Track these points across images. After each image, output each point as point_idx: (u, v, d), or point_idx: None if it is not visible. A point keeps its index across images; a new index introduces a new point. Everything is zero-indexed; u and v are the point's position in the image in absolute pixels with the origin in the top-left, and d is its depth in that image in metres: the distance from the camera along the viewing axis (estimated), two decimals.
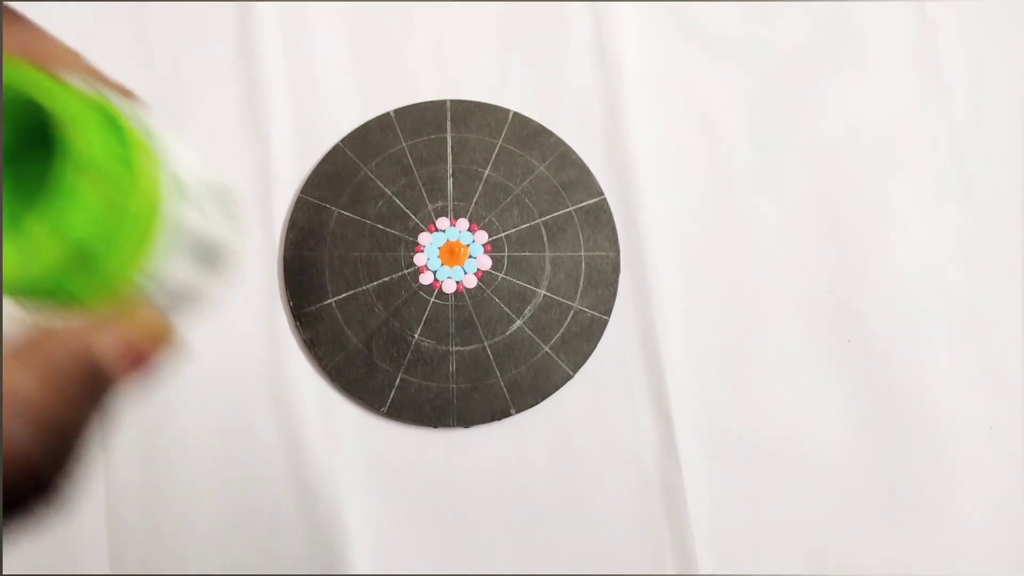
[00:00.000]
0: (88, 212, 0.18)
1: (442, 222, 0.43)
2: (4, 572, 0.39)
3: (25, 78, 0.19)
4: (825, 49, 0.46)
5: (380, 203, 0.43)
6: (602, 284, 0.42)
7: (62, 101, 0.18)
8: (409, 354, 0.41)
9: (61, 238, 0.18)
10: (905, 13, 0.46)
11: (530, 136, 0.44)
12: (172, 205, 0.20)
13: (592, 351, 0.42)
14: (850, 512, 0.41)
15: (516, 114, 0.44)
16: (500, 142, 0.44)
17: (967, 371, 0.42)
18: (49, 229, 0.18)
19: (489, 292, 0.42)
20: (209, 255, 0.21)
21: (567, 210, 0.43)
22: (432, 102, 0.44)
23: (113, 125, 0.19)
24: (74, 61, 0.21)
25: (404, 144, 0.44)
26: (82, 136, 0.18)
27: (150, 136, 0.20)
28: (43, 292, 0.19)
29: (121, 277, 0.19)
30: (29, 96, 0.19)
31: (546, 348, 0.42)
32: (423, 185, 0.43)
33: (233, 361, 0.41)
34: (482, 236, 0.43)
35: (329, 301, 0.42)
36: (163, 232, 0.19)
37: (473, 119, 0.44)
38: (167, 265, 0.20)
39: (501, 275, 0.43)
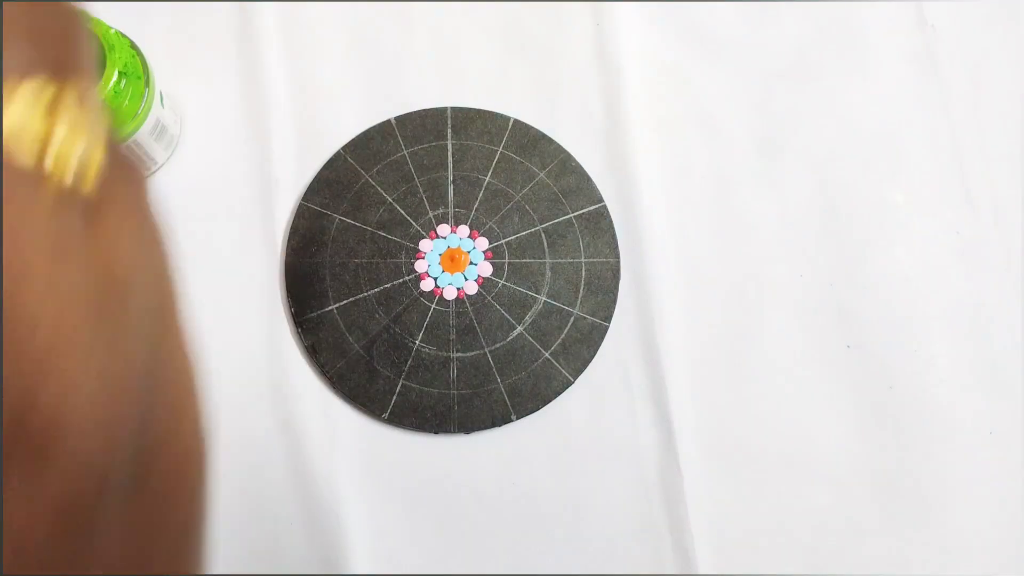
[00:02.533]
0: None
1: (443, 229, 0.43)
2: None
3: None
4: (825, 51, 0.46)
5: (381, 210, 0.43)
6: (602, 290, 0.43)
7: (113, 41, 0.38)
8: (410, 360, 0.41)
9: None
10: (905, 14, 0.46)
11: (530, 143, 0.44)
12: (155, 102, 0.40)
13: (592, 357, 0.42)
14: (850, 513, 0.41)
15: (516, 121, 0.44)
16: (500, 149, 0.44)
17: (967, 373, 0.42)
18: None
19: (490, 298, 0.42)
20: (161, 137, 0.42)
21: (567, 217, 0.43)
22: (433, 109, 0.45)
23: (134, 56, 0.39)
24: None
25: (405, 151, 0.44)
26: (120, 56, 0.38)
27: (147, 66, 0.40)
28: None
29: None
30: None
31: (546, 354, 0.42)
32: (424, 192, 0.44)
33: (234, 367, 0.41)
34: (483, 243, 0.43)
35: (330, 308, 0.42)
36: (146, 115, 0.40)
37: (474, 126, 0.44)
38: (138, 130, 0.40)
39: (502, 281, 0.43)
